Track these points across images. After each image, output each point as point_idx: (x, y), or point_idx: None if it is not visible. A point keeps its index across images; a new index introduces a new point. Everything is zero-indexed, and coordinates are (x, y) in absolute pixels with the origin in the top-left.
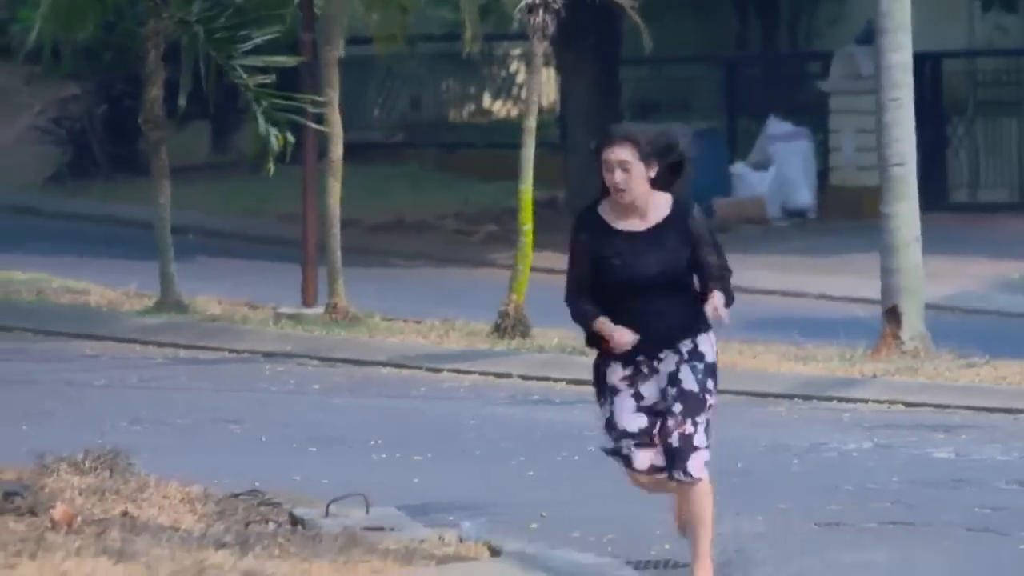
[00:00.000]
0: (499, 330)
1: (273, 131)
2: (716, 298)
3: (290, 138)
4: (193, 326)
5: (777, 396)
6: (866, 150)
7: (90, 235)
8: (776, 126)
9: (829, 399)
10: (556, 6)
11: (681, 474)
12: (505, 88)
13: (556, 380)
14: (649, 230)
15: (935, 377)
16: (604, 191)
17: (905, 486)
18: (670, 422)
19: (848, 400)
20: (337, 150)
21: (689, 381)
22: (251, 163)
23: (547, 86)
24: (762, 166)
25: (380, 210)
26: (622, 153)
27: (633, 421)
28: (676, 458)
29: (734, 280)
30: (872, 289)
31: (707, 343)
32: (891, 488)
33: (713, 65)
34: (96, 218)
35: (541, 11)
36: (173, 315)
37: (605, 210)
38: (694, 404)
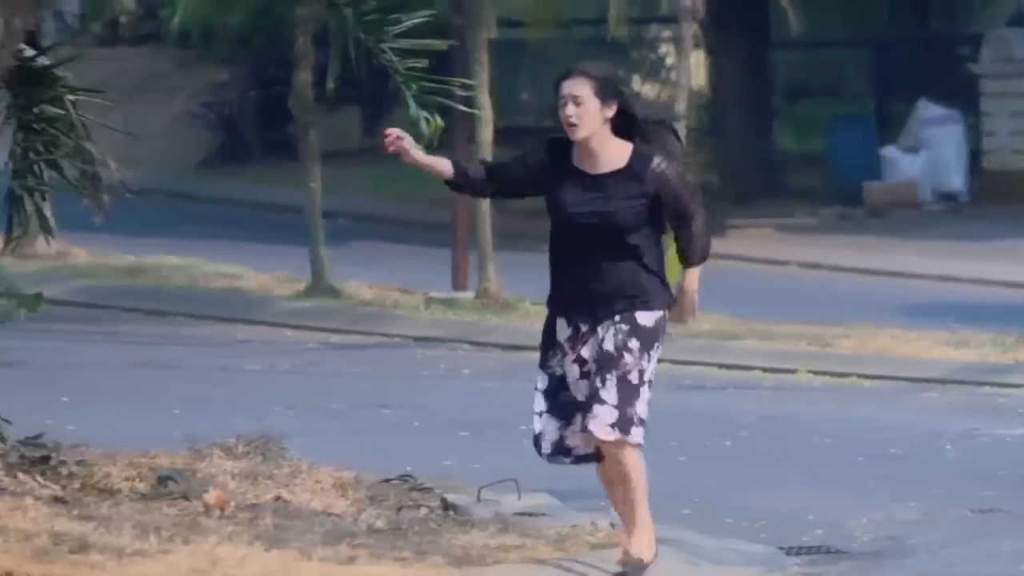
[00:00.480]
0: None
1: (424, 114)
2: (690, 283)
3: (440, 122)
4: (345, 311)
5: (931, 382)
6: (1020, 134)
7: (242, 219)
8: (927, 109)
9: (983, 385)
10: None
11: (582, 430)
12: (654, 71)
13: (708, 365)
14: (599, 176)
15: None
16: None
17: None
18: (584, 379)
19: (1002, 386)
20: (487, 134)
21: (608, 342)
22: None
23: (697, 69)
24: (912, 150)
25: None
26: (576, 87)
27: (580, 388)
28: (584, 413)
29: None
30: None
31: (648, 319)
32: None
33: (863, 48)
34: (248, 203)
35: None
36: (325, 300)
37: (574, 149)
38: (607, 362)
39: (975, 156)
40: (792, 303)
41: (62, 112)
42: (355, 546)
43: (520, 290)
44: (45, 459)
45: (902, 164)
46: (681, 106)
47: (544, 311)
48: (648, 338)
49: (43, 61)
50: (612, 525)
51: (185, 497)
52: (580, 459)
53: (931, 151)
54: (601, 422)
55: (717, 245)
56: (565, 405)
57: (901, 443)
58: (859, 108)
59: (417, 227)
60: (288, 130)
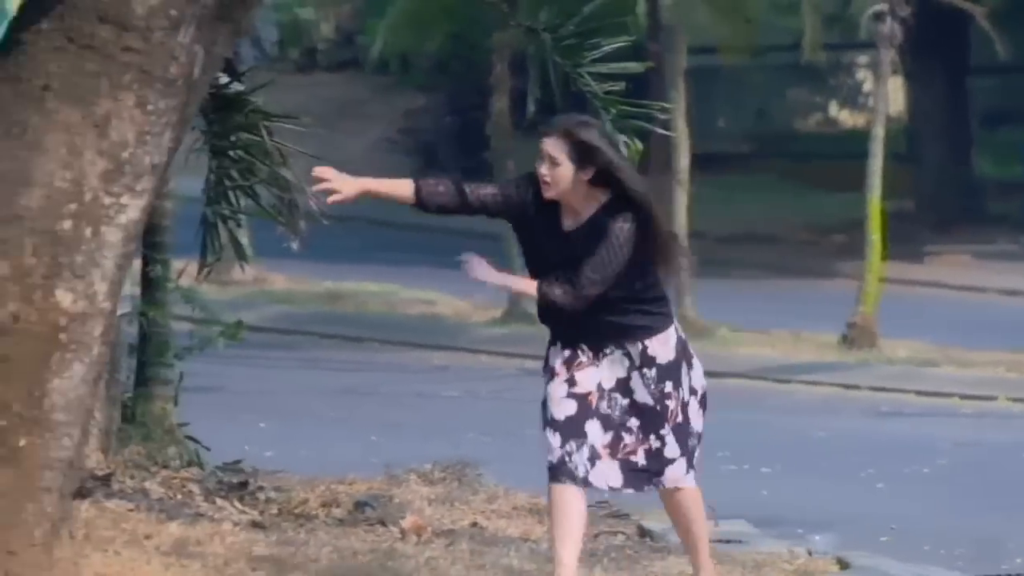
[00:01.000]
0: (847, 341)
1: (623, 138)
2: (514, 282)
3: (639, 145)
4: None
5: None
6: None
7: (438, 246)
8: None
9: None
10: (904, 14)
11: (662, 485)
12: (851, 97)
13: (906, 392)
14: (570, 231)
15: None
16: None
17: None
18: (627, 439)
19: None
20: (684, 160)
21: (642, 392)
22: None
23: (895, 95)
24: None
25: (727, 221)
26: (554, 147)
27: (561, 407)
28: (644, 475)
29: None
30: None
31: (659, 344)
32: None
33: None
34: (444, 229)
35: (889, 19)
36: (521, 326)
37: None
38: (652, 418)
39: None
40: (991, 330)
41: (257, 139)
42: (552, 572)
43: (716, 316)
44: (243, 485)
45: None
46: (879, 131)
47: (741, 337)
48: (677, 372)
49: (238, 87)
50: (809, 552)
51: (382, 523)
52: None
53: None
54: (676, 475)
55: (914, 271)
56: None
57: None
58: None
59: None
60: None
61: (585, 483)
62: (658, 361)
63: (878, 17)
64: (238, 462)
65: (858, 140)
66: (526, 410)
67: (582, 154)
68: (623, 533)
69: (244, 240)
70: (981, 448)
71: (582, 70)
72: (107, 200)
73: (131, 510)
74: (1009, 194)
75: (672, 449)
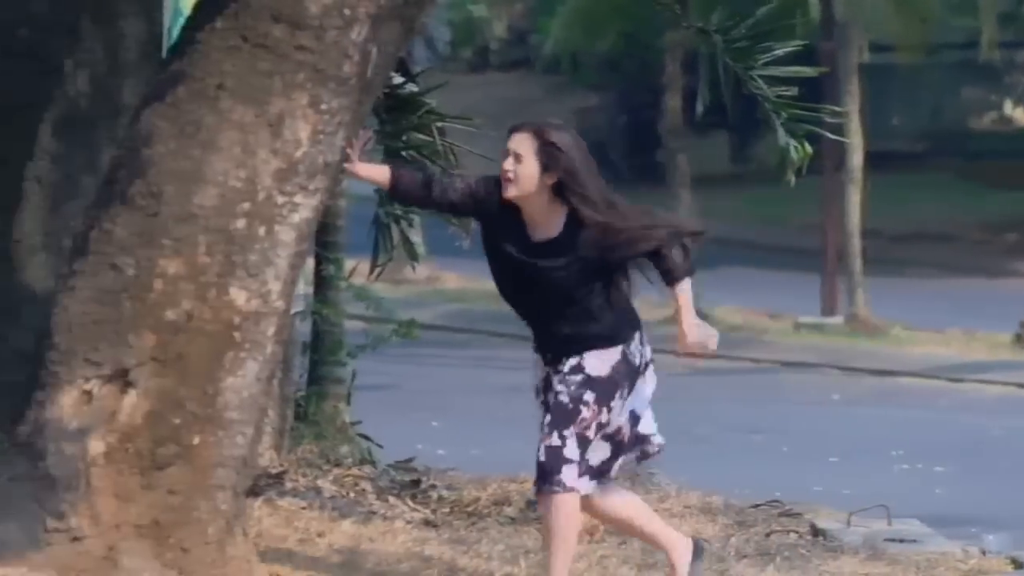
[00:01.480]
0: (1021, 340)
1: (793, 143)
2: (686, 315)
3: (808, 149)
4: None
5: None
6: None
7: None
8: None
9: None
10: None
11: (551, 487)
12: None
13: None
14: (536, 243)
15: None
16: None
17: None
18: (540, 435)
19: None
20: (857, 160)
21: (561, 389)
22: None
23: None
24: None
25: (901, 220)
26: (520, 143)
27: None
28: (545, 471)
29: None
30: None
31: (595, 358)
32: None
33: None
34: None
35: None
36: None
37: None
38: (562, 415)
39: None
40: None
41: (429, 139)
42: (724, 571)
43: (890, 315)
44: (415, 483)
45: None
46: None
47: (914, 336)
48: (602, 386)
49: (411, 88)
50: (983, 552)
51: None
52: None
53: None
54: (571, 476)
55: None
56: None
57: None
58: None
59: (785, 252)
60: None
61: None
62: (587, 372)
63: None
64: (410, 460)
65: None
66: (698, 409)
67: (549, 156)
68: (796, 532)
69: (417, 239)
70: None
71: (754, 73)
72: (280, 199)
73: (304, 508)
74: None
75: (571, 451)
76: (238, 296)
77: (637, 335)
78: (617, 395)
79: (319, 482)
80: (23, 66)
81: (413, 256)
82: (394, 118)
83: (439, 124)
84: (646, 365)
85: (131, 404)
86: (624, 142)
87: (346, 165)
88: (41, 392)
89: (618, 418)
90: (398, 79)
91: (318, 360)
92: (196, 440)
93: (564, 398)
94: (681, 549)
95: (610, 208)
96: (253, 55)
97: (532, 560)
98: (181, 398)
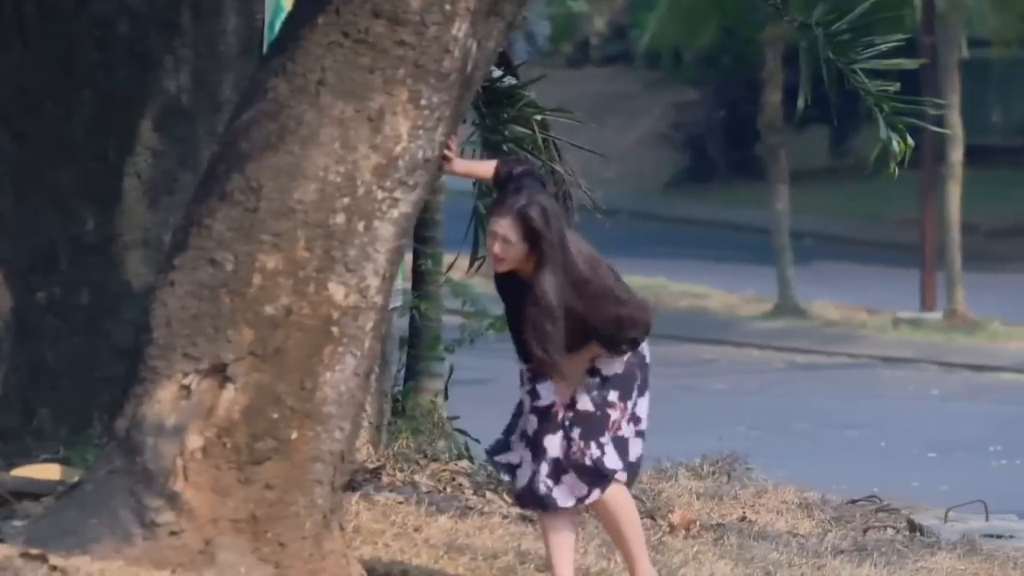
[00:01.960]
0: None
1: (895, 136)
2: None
3: (911, 142)
4: (811, 331)
5: None
6: None
7: (707, 239)
8: None
9: None
10: None
11: (599, 492)
12: None
13: None
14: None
15: None
16: None
17: None
18: (572, 448)
19: None
20: (957, 155)
21: (583, 400)
22: (872, 168)
23: None
24: None
25: (999, 215)
26: (508, 230)
27: (529, 422)
28: (592, 476)
29: None
30: None
31: (606, 359)
32: None
33: None
34: (713, 223)
35: None
36: (791, 320)
37: None
38: (593, 425)
39: None
40: None
41: (529, 132)
42: (820, 567)
43: (988, 310)
44: None
45: None
46: None
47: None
48: (620, 383)
49: (511, 81)
50: None
51: (651, 517)
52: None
53: None
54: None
55: None
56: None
57: None
58: None
59: (883, 247)
60: (755, 150)
61: (548, 499)
62: (602, 373)
63: None
64: None
65: None
66: (795, 404)
67: (533, 235)
68: (893, 528)
69: None
70: None
71: (856, 66)
72: (380, 194)
73: (400, 503)
74: None
75: (612, 460)
76: (337, 291)
77: (646, 323)
78: (635, 387)
79: (416, 477)
80: (122, 61)
81: None
82: (494, 111)
83: (538, 117)
84: None
85: (229, 399)
86: (722, 137)
87: (444, 163)
88: (139, 387)
89: (640, 410)
90: (497, 72)
91: (415, 355)
92: (294, 435)
93: (589, 406)
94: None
95: (583, 283)
96: (354, 51)
97: None
98: (279, 393)
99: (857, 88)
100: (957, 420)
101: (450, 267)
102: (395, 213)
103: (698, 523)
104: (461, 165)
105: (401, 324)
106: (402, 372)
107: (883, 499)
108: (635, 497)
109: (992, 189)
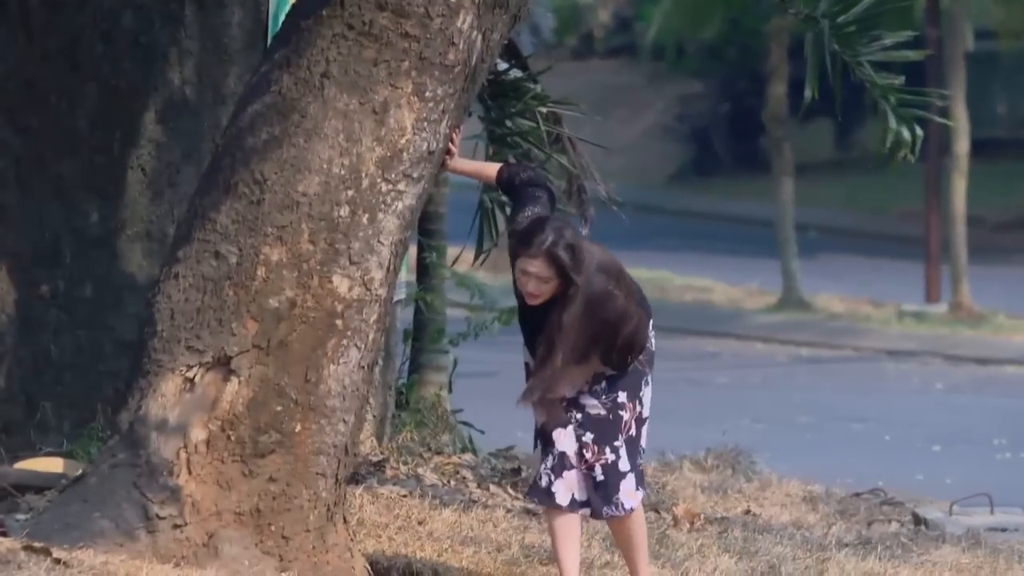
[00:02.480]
0: None
1: (902, 128)
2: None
3: (919, 132)
4: (815, 324)
5: None
6: None
7: (712, 232)
8: None
9: None
10: None
11: (614, 509)
12: None
13: None
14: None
15: None
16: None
17: None
18: (587, 455)
19: None
20: (962, 147)
21: (592, 405)
22: (877, 161)
23: None
24: None
25: (1004, 208)
26: (542, 269)
27: (536, 414)
28: (603, 493)
29: None
30: None
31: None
32: None
33: None
34: (717, 215)
35: None
36: (795, 313)
37: None
38: (606, 428)
39: None
40: None
41: (534, 125)
42: (825, 560)
43: (993, 303)
44: (516, 471)
45: None
46: None
47: (1018, 324)
48: (630, 384)
49: (517, 74)
50: None
51: (655, 510)
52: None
53: None
54: (629, 491)
55: None
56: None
57: None
58: None
59: (888, 240)
60: (759, 143)
61: (548, 495)
62: (606, 373)
63: None
64: (511, 448)
65: None
66: (799, 398)
67: (564, 271)
68: (898, 521)
69: None
70: None
71: (861, 59)
72: (384, 187)
73: (404, 496)
74: None
75: (624, 463)
76: (341, 284)
77: (650, 322)
78: (642, 383)
79: (420, 470)
80: (126, 54)
81: None
82: (499, 104)
83: (543, 110)
84: None
85: (232, 392)
86: (726, 130)
87: (447, 162)
88: (143, 380)
89: (646, 405)
90: (503, 65)
91: (420, 348)
92: (297, 428)
93: (600, 410)
94: None
95: (601, 305)
96: (358, 43)
97: None
98: (283, 386)
99: (863, 81)
100: (962, 413)
101: (455, 261)
102: (399, 206)
103: (702, 516)
104: (464, 164)
105: (405, 317)
106: (406, 365)
107: (887, 492)
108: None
109: (997, 182)
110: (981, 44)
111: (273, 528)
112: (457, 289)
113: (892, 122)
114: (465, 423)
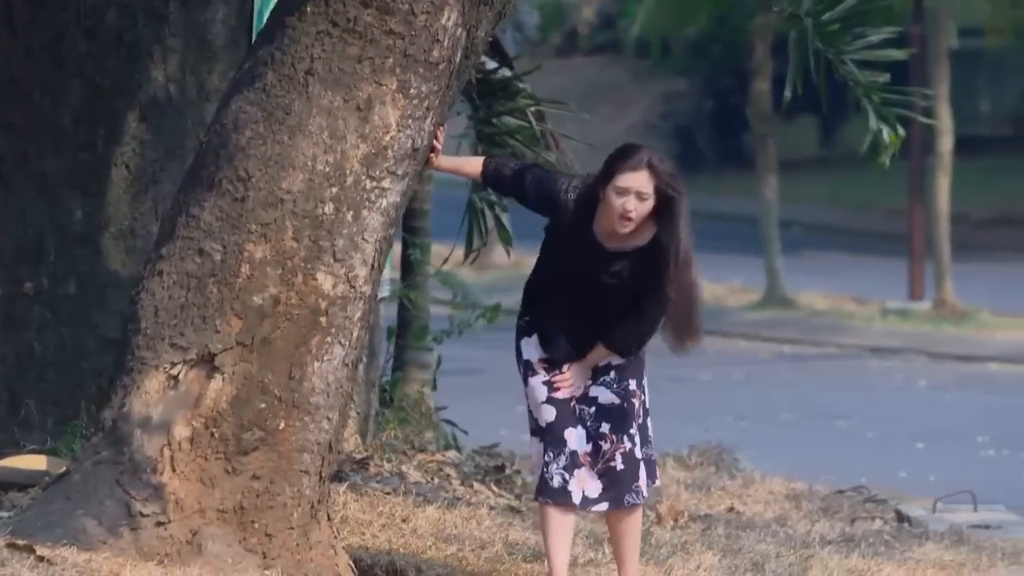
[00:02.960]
0: None
1: (884, 127)
2: (589, 358)
3: (901, 132)
4: (799, 321)
5: None
6: None
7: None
8: None
9: None
10: None
11: (635, 497)
12: None
13: None
14: (615, 252)
15: None
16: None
17: None
18: (605, 446)
19: None
20: (946, 144)
21: (605, 395)
22: (861, 158)
23: None
24: None
25: (988, 205)
26: (645, 183)
27: (542, 413)
28: (624, 481)
29: None
30: None
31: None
32: None
33: None
34: (701, 212)
35: None
36: (779, 310)
37: (599, 212)
38: (621, 416)
39: None
40: None
41: (523, 123)
42: (808, 558)
43: (976, 300)
44: (500, 468)
45: None
46: None
47: (1001, 321)
48: (637, 370)
49: (505, 73)
50: None
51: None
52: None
53: None
54: (643, 480)
55: None
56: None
57: None
58: None
59: (872, 237)
60: (743, 140)
61: (563, 494)
62: (613, 363)
63: None
64: (494, 446)
65: None
66: (782, 395)
67: (668, 184)
68: (881, 518)
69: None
70: None
71: (845, 57)
72: (368, 184)
73: (388, 493)
74: None
75: (639, 451)
76: (325, 281)
77: None
78: (643, 370)
79: (403, 467)
80: (110, 51)
81: (507, 241)
82: (487, 103)
83: (532, 108)
84: None
85: (216, 389)
86: (710, 127)
87: (431, 160)
88: (126, 377)
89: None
90: (492, 64)
91: (404, 345)
92: (281, 425)
93: (614, 399)
94: None
95: (684, 259)
96: (342, 40)
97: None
98: (266, 383)
99: (846, 78)
100: (945, 410)
101: (445, 260)
102: (384, 203)
103: (686, 514)
104: (447, 162)
105: (389, 314)
106: (390, 362)
107: (871, 489)
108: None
109: (981, 179)
110: (965, 41)
111: (256, 525)
112: (441, 286)
113: (872, 122)
114: (448, 421)
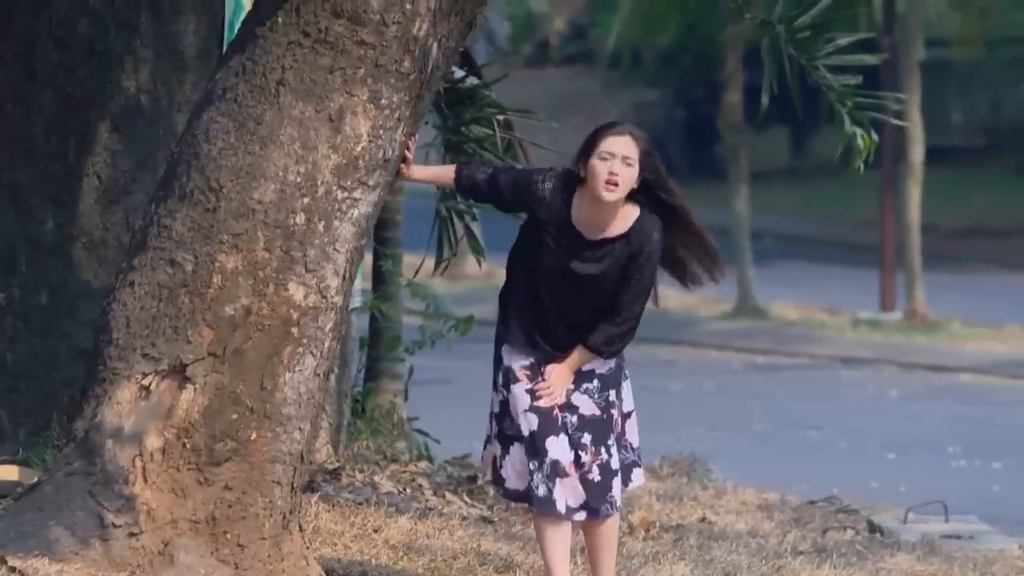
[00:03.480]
0: None
1: (859, 132)
2: (568, 362)
3: (875, 137)
4: (770, 331)
5: None
6: None
7: None
8: None
9: None
10: None
11: (610, 508)
12: None
13: None
14: (596, 241)
15: None
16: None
17: None
18: (584, 457)
19: None
20: (917, 155)
21: (587, 405)
22: (835, 166)
23: None
24: None
25: (958, 215)
26: (628, 147)
27: (526, 420)
28: (600, 492)
29: None
30: None
31: (602, 365)
32: None
33: None
34: None
35: None
36: (750, 320)
37: (575, 201)
38: (601, 428)
39: None
40: None
41: (491, 133)
42: (780, 568)
43: (947, 310)
44: (472, 479)
45: None
46: None
47: (971, 332)
48: (617, 380)
49: (473, 82)
50: None
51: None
52: (508, 494)
53: None
54: (618, 491)
55: None
56: (507, 435)
57: None
58: None
59: (843, 247)
60: (715, 150)
61: (549, 503)
62: (597, 371)
63: None
64: (467, 456)
65: None
66: (754, 405)
67: (647, 156)
68: (853, 529)
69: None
70: None
71: (818, 63)
72: (340, 194)
73: (360, 504)
74: None
75: (615, 461)
76: (296, 291)
77: None
78: (624, 378)
79: (376, 478)
80: (82, 61)
81: (478, 251)
82: (455, 112)
83: (500, 117)
84: None
85: (188, 399)
86: (682, 137)
87: (403, 170)
88: (98, 387)
89: (627, 399)
90: (459, 73)
91: (375, 356)
92: (253, 436)
93: (595, 410)
94: None
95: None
96: (314, 50)
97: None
98: (238, 393)
99: (819, 84)
100: (916, 421)
101: (416, 272)
102: (355, 213)
103: (657, 524)
104: (420, 172)
105: (361, 325)
106: (362, 373)
107: (842, 500)
108: None
109: (952, 189)
110: (935, 52)
111: (229, 536)
112: (412, 298)
113: (847, 127)
114: (421, 431)
